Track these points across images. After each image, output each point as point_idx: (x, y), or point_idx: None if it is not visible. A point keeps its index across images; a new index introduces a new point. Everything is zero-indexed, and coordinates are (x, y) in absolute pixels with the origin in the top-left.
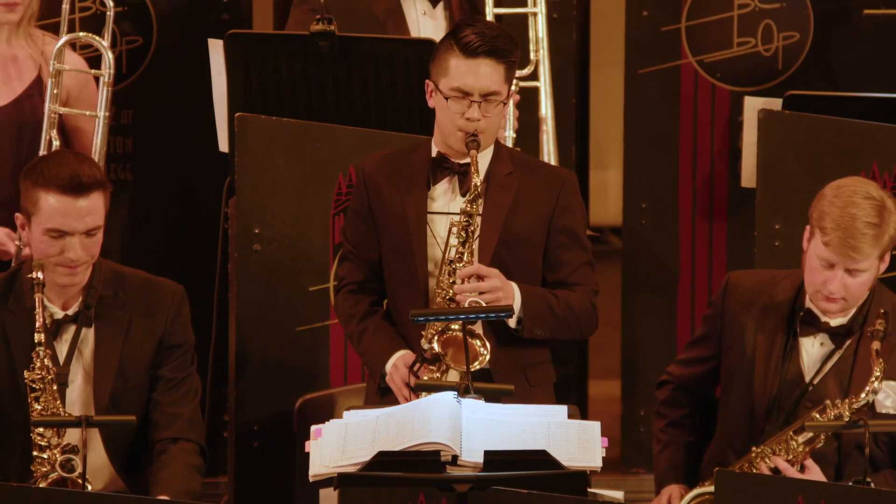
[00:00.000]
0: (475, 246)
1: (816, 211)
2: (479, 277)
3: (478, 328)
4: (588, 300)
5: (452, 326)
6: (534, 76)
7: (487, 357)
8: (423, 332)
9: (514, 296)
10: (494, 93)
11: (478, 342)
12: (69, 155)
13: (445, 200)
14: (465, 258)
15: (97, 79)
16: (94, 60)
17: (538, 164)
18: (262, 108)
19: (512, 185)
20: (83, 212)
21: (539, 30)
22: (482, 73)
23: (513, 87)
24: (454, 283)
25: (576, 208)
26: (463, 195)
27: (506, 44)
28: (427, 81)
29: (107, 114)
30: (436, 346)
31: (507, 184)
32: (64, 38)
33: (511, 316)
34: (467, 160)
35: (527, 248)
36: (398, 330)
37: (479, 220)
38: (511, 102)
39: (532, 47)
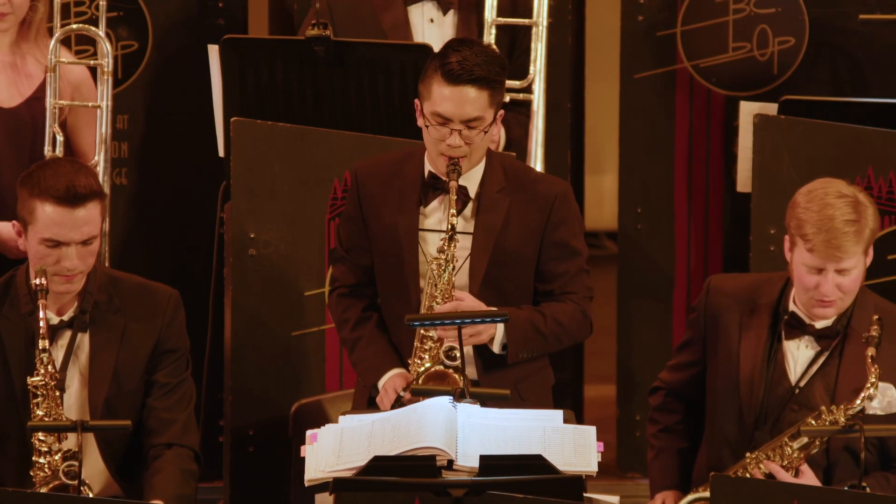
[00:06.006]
0: (455, 279)
1: (793, 220)
2: None
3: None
4: (579, 310)
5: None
6: (529, 89)
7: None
8: (409, 361)
9: (496, 325)
10: (477, 119)
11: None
12: (65, 164)
13: (437, 218)
14: (442, 296)
15: (94, 71)
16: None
17: (532, 177)
18: (257, 113)
19: (503, 203)
20: (79, 222)
21: (539, 43)
22: (464, 101)
23: (501, 110)
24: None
25: (570, 219)
26: (456, 213)
27: (490, 71)
28: (416, 101)
29: (109, 104)
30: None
31: (497, 202)
32: (59, 32)
33: (507, 321)
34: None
35: (518, 265)
36: (391, 338)
37: (461, 246)
38: (500, 123)
39: (532, 57)
